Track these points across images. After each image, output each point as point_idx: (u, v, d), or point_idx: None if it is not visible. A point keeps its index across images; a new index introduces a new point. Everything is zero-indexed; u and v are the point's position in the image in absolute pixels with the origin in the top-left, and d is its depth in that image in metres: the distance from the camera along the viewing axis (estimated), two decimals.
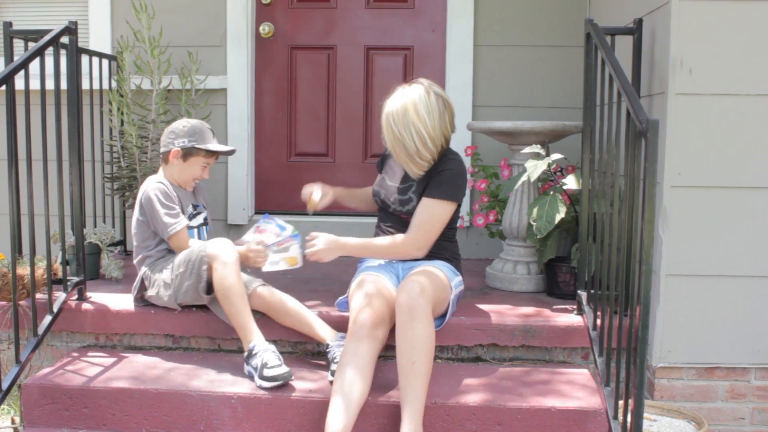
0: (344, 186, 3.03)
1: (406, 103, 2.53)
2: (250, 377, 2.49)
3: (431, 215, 2.59)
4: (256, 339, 2.50)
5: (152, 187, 2.76)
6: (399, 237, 2.62)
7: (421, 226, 2.59)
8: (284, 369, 2.41)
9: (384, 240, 2.66)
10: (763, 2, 2.45)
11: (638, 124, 2.01)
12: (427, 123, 2.52)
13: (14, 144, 2.47)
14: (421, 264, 2.59)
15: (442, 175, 2.59)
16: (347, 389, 2.21)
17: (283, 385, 2.41)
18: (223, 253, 2.58)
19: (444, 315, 2.58)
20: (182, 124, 2.83)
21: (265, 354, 2.45)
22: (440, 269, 2.54)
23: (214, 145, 2.83)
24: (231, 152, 2.94)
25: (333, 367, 2.43)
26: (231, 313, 2.55)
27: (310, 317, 2.62)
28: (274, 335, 2.72)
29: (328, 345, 2.54)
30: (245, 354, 2.52)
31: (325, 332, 2.58)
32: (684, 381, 2.59)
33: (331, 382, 2.34)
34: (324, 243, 2.56)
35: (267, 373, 2.39)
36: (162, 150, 2.84)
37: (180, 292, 2.66)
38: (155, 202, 2.72)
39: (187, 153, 2.80)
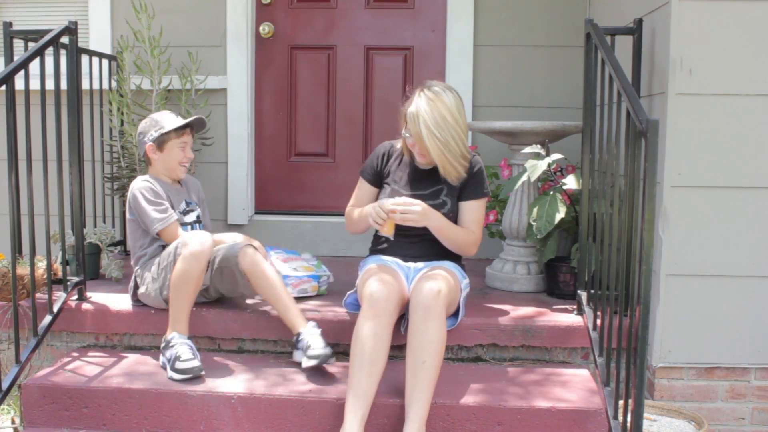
0: (345, 188, 3.00)
1: (441, 108, 2.50)
2: (164, 367, 2.53)
3: (482, 213, 2.72)
4: (178, 331, 2.54)
5: (137, 186, 2.77)
6: (468, 232, 2.65)
7: (477, 225, 2.69)
8: (195, 363, 2.45)
9: (460, 229, 2.65)
10: (763, 2, 2.45)
11: (638, 124, 2.01)
12: (461, 124, 2.55)
13: (14, 144, 2.47)
14: (433, 264, 2.60)
15: (478, 174, 2.68)
16: (366, 374, 2.21)
17: (194, 378, 2.44)
18: (193, 241, 2.57)
19: (453, 316, 2.59)
20: (144, 121, 2.88)
21: (181, 347, 2.49)
22: (452, 271, 2.55)
23: (178, 121, 2.83)
24: (199, 121, 2.90)
25: (306, 363, 2.44)
26: (173, 299, 2.56)
27: (287, 299, 2.59)
28: (274, 335, 2.73)
29: (299, 333, 2.52)
30: (162, 344, 2.56)
31: (298, 319, 2.55)
32: (684, 381, 2.59)
33: (303, 365, 2.43)
34: (422, 209, 2.51)
35: (179, 365, 2.44)
36: (140, 153, 2.91)
37: (165, 285, 2.66)
38: (140, 199, 2.73)
39: (160, 142, 2.80)
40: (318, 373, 2.54)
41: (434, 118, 2.49)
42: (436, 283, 2.36)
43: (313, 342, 2.46)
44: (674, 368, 2.59)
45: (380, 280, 2.38)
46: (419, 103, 2.52)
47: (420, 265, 2.64)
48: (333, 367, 2.59)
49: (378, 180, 2.77)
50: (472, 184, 2.67)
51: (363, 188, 2.79)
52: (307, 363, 2.43)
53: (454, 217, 2.69)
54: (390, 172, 2.74)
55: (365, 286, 2.40)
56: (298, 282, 2.89)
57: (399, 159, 2.74)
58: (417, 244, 2.66)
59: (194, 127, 2.91)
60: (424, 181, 2.67)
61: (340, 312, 2.73)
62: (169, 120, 2.82)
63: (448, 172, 2.59)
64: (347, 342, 2.70)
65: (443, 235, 2.61)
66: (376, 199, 2.75)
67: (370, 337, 2.26)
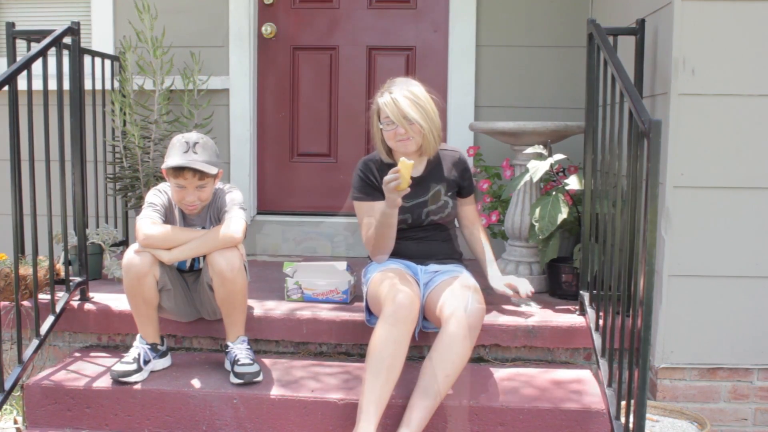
0: (348, 188, 2.95)
1: (410, 86, 2.56)
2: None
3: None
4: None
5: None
6: (483, 232, 2.80)
7: (479, 220, 2.84)
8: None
9: (488, 247, 2.79)
10: (765, 2, 2.45)
11: (641, 125, 2.01)
12: (430, 100, 2.57)
13: (17, 144, 2.47)
14: (448, 270, 2.59)
15: (469, 168, 2.77)
16: (383, 380, 2.17)
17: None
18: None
19: None
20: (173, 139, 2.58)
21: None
22: (469, 275, 2.57)
23: (172, 160, 2.47)
24: (189, 169, 2.46)
25: (237, 369, 2.44)
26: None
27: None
28: (274, 335, 2.73)
29: (228, 345, 2.55)
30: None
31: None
32: (686, 382, 2.59)
33: (235, 384, 2.41)
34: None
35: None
36: None
37: None
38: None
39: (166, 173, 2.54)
40: (320, 373, 2.54)
41: (408, 90, 2.54)
42: (470, 299, 2.35)
43: (240, 355, 2.51)
44: (677, 369, 2.58)
45: (403, 287, 2.33)
46: (389, 87, 2.57)
47: (430, 266, 2.63)
48: (336, 367, 2.59)
49: (380, 194, 2.59)
50: (468, 180, 2.75)
51: (370, 208, 2.65)
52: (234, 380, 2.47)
53: (454, 215, 2.71)
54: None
55: (387, 292, 2.34)
56: (325, 292, 2.85)
57: (387, 170, 2.62)
58: (424, 243, 2.66)
59: (200, 172, 2.48)
60: (420, 186, 2.64)
61: (343, 313, 2.73)
62: (172, 155, 2.49)
63: (428, 142, 2.57)
64: (350, 342, 2.72)
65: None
66: None
67: (391, 343, 2.22)
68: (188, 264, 2.68)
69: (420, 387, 2.21)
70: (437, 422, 2.30)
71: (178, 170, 2.47)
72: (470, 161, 2.78)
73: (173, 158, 2.47)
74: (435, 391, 2.19)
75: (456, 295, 2.37)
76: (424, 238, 2.67)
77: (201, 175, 2.48)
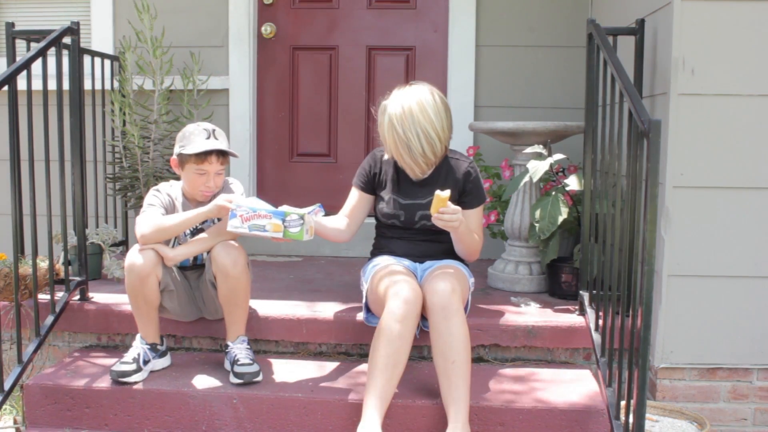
0: (347, 188, 2.95)
1: (411, 104, 2.48)
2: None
3: (481, 219, 2.72)
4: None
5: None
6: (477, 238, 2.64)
7: (481, 230, 2.69)
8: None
9: (474, 234, 2.62)
10: (765, 2, 2.45)
11: (640, 125, 2.01)
12: (435, 123, 2.50)
13: (16, 144, 2.47)
14: (440, 263, 2.59)
15: (475, 181, 2.66)
16: (388, 376, 2.19)
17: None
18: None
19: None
20: (181, 131, 2.59)
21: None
22: (459, 268, 2.54)
23: (197, 147, 2.47)
24: (220, 151, 2.51)
25: (236, 369, 2.44)
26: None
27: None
28: (273, 335, 2.73)
29: (228, 345, 2.55)
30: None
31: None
32: (686, 381, 2.59)
33: (235, 384, 2.41)
34: (461, 215, 2.43)
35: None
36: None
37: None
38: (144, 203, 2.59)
39: (181, 160, 2.54)
40: (320, 373, 2.54)
41: (422, 100, 2.48)
42: (449, 281, 2.35)
43: (240, 354, 2.50)
44: (676, 369, 2.58)
45: (407, 284, 2.34)
46: (389, 97, 2.54)
47: (426, 264, 2.63)
48: (336, 367, 2.59)
49: (371, 187, 2.70)
50: (474, 192, 2.65)
51: (356, 197, 2.71)
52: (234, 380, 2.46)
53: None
54: (386, 180, 2.68)
55: (391, 289, 2.34)
56: (250, 215, 2.35)
57: (393, 166, 2.66)
58: (422, 244, 2.66)
59: (223, 155, 2.54)
60: (421, 189, 2.62)
61: (343, 313, 2.73)
62: (194, 141, 2.50)
63: (413, 170, 2.56)
64: (350, 342, 2.72)
65: (463, 240, 2.57)
66: (373, 207, 2.72)
67: (396, 338, 2.24)
68: (191, 259, 2.68)
69: (442, 384, 2.23)
70: (436, 422, 2.30)
71: (203, 155, 2.49)
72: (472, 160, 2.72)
73: (197, 144, 2.49)
74: (458, 380, 2.21)
75: (435, 279, 2.37)
76: (420, 241, 2.66)
77: (223, 159, 2.53)
